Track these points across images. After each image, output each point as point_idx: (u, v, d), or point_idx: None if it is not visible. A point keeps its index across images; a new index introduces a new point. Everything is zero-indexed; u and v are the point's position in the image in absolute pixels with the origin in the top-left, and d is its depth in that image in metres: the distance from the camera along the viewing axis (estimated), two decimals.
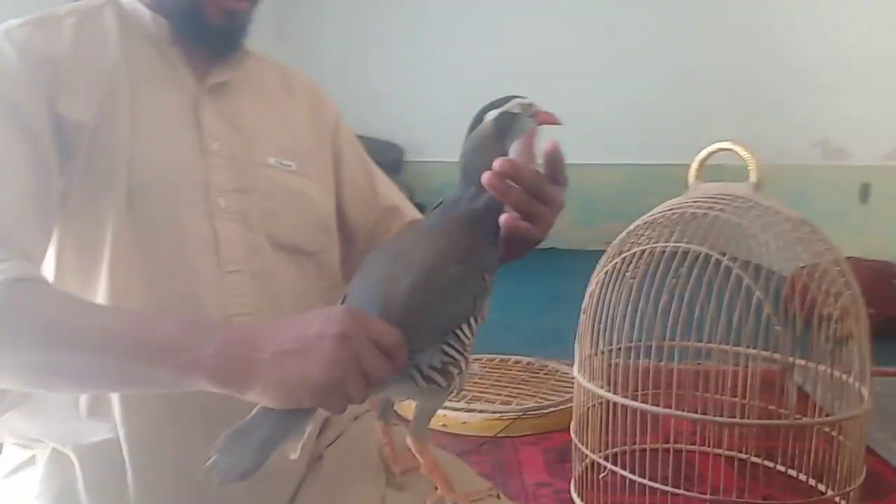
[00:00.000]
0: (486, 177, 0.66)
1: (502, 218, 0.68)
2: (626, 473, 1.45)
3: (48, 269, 0.78)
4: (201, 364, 0.60)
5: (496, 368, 2.37)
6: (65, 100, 0.75)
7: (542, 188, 0.69)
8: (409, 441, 0.73)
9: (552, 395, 2.11)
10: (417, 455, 0.74)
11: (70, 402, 0.77)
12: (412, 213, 1.03)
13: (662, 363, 1.69)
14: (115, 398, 0.75)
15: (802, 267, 1.44)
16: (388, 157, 4.92)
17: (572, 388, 1.71)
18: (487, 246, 0.70)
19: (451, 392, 0.69)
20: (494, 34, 5.15)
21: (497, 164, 0.66)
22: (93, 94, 0.76)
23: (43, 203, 0.73)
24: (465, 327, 0.67)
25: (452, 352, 0.66)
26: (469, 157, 0.71)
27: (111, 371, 0.64)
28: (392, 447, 0.82)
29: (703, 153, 1.57)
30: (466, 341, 0.67)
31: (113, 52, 0.79)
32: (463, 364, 0.68)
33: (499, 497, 0.79)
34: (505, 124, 0.71)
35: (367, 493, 0.80)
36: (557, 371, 2.34)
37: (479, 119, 0.71)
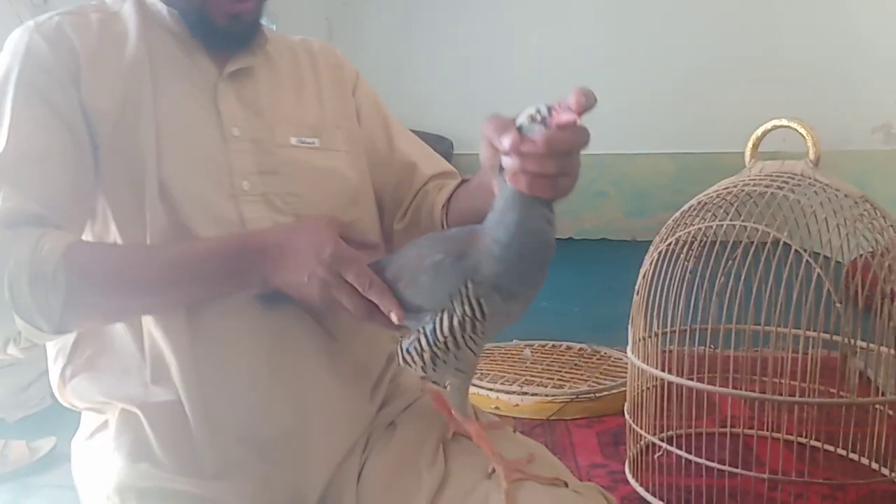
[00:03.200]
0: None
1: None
2: (682, 453, 1.44)
3: None
4: (250, 286, 0.77)
5: (548, 354, 2.37)
6: (87, 90, 0.79)
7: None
8: (454, 414, 0.75)
9: (604, 379, 2.11)
10: (465, 426, 0.76)
11: (135, 369, 0.81)
12: (430, 167, 1.01)
13: (718, 350, 1.67)
14: (173, 368, 0.79)
15: (861, 254, 1.41)
16: (438, 150, 4.86)
17: (625, 373, 1.71)
18: (489, 266, 0.67)
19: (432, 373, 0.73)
20: (541, 28, 5.12)
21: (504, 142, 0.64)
22: (115, 84, 0.80)
23: (80, 189, 0.78)
24: (437, 320, 0.69)
25: (422, 339, 0.70)
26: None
27: (176, 297, 0.77)
28: (449, 411, 0.84)
29: (760, 131, 1.54)
30: (438, 337, 0.69)
31: (133, 44, 0.83)
32: (426, 357, 0.71)
33: (566, 485, 0.77)
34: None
35: (430, 456, 0.81)
36: (610, 356, 2.33)
37: None
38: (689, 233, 1.51)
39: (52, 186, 0.76)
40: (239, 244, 0.77)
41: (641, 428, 1.55)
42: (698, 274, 1.48)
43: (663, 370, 1.51)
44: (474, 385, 2.04)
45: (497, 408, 1.95)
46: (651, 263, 1.55)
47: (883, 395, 1.45)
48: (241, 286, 0.77)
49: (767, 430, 1.74)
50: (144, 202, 0.78)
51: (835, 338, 1.49)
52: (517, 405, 1.96)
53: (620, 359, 2.27)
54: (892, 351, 1.41)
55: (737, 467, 1.38)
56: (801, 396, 1.56)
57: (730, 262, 1.44)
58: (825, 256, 1.36)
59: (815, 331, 1.55)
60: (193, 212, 0.80)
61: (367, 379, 0.90)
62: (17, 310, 0.70)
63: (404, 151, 1.00)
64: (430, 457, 0.81)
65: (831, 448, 1.60)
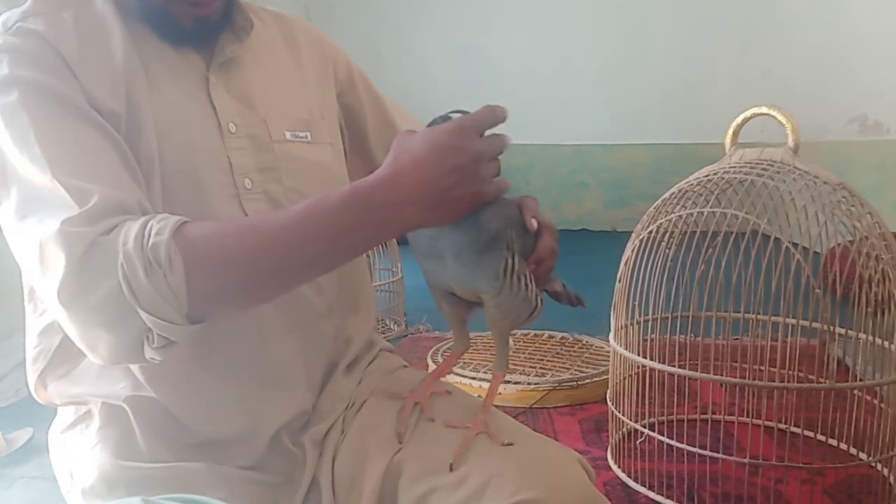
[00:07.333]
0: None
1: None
2: (663, 439, 1.45)
3: None
4: (394, 226, 0.70)
5: (530, 343, 2.38)
6: (91, 95, 0.73)
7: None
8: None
9: (586, 367, 2.12)
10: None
11: (118, 372, 0.80)
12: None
13: (699, 338, 1.68)
14: (158, 370, 0.77)
15: (839, 243, 1.42)
16: None
17: (606, 361, 1.71)
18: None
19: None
20: (523, 17, 5.12)
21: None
22: (114, 85, 0.75)
23: (133, 171, 0.73)
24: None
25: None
26: None
27: (309, 261, 0.70)
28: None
29: (740, 118, 1.55)
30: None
31: (119, 43, 0.77)
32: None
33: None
34: None
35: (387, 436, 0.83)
36: (591, 345, 2.34)
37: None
38: (670, 220, 1.52)
39: (107, 172, 0.69)
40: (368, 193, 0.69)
41: (623, 415, 1.56)
42: (679, 262, 1.48)
43: (645, 357, 1.52)
44: (456, 373, 2.04)
45: (480, 396, 1.95)
46: (633, 251, 1.56)
47: (860, 380, 1.47)
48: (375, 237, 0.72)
49: (747, 417, 1.74)
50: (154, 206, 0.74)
51: (814, 325, 1.50)
52: (500, 393, 1.96)
53: (602, 347, 2.28)
54: (870, 337, 1.43)
55: (718, 453, 1.39)
56: (780, 382, 1.58)
57: (710, 249, 1.45)
58: (804, 246, 1.37)
59: (794, 318, 1.56)
60: (197, 214, 0.75)
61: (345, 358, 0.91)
62: (141, 304, 0.64)
63: (401, 125, 1.03)
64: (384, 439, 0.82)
65: (810, 434, 1.62)
